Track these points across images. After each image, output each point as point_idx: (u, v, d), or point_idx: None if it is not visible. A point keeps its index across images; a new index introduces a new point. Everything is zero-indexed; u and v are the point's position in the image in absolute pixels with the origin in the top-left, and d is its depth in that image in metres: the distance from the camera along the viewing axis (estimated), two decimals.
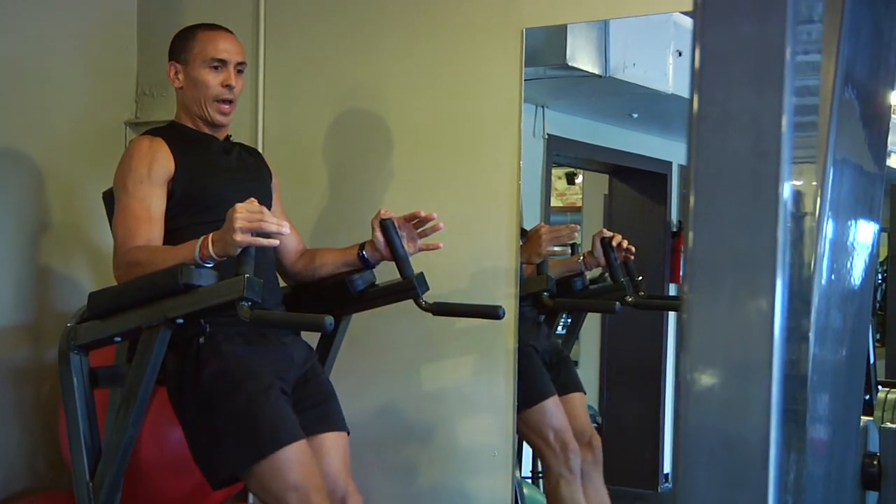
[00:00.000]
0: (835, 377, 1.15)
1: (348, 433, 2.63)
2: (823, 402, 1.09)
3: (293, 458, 2.34)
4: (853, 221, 1.19)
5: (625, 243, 3.21)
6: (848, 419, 1.29)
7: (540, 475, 3.40)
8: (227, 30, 2.71)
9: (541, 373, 3.16)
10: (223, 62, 2.63)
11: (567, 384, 3.22)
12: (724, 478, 0.77)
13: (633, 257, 3.19)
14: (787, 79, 0.77)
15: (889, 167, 1.51)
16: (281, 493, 2.32)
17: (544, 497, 3.17)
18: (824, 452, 1.11)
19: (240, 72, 2.68)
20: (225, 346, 2.45)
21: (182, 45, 2.68)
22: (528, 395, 3.04)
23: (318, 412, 2.58)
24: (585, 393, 3.29)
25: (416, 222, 2.62)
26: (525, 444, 3.23)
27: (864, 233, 1.22)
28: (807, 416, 1.00)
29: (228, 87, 2.63)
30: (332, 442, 2.57)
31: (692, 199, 0.80)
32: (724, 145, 0.79)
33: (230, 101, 2.65)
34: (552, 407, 3.10)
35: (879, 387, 3.23)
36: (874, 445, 1.68)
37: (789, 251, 0.79)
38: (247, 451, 2.36)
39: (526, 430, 3.09)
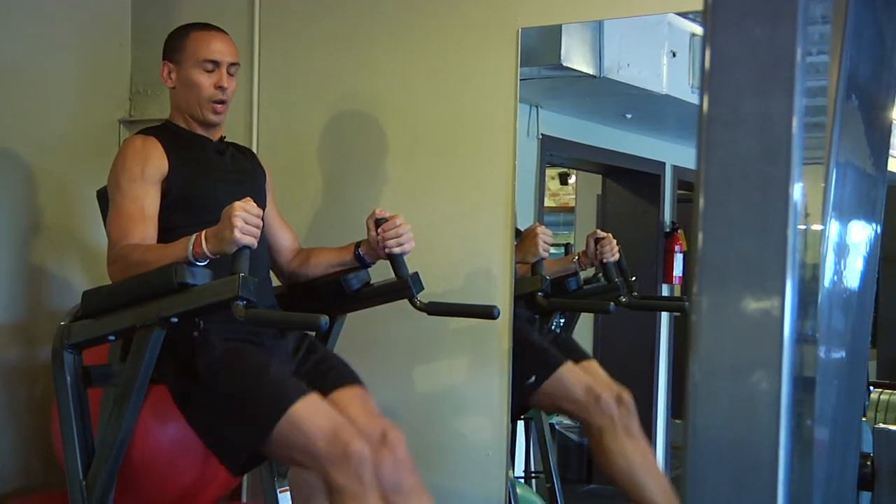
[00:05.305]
0: (838, 379, 1.15)
1: (363, 386, 2.53)
2: (827, 403, 1.09)
3: (308, 408, 2.28)
4: (855, 223, 1.19)
5: (612, 244, 3.19)
6: (850, 421, 1.29)
7: (533, 475, 3.40)
8: (220, 30, 2.69)
9: (546, 345, 3.08)
10: (216, 63, 2.61)
11: (577, 353, 3.11)
12: (732, 480, 0.77)
13: (615, 257, 3.17)
14: (798, 80, 0.77)
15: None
16: (308, 444, 2.24)
17: (538, 497, 3.17)
18: (827, 454, 1.12)
19: (233, 73, 2.66)
20: (217, 338, 2.43)
21: (175, 44, 2.66)
22: (542, 368, 2.98)
23: (325, 371, 2.52)
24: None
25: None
26: (518, 444, 3.22)
27: (866, 235, 1.23)
28: (812, 418, 1.00)
29: (221, 88, 2.61)
30: (349, 394, 2.49)
31: (701, 201, 0.80)
32: (734, 147, 0.79)
33: (223, 102, 2.64)
34: (571, 370, 2.99)
35: (872, 388, 3.24)
36: (867, 446, 1.69)
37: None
38: (260, 421, 2.29)
39: (553, 400, 2.98)
